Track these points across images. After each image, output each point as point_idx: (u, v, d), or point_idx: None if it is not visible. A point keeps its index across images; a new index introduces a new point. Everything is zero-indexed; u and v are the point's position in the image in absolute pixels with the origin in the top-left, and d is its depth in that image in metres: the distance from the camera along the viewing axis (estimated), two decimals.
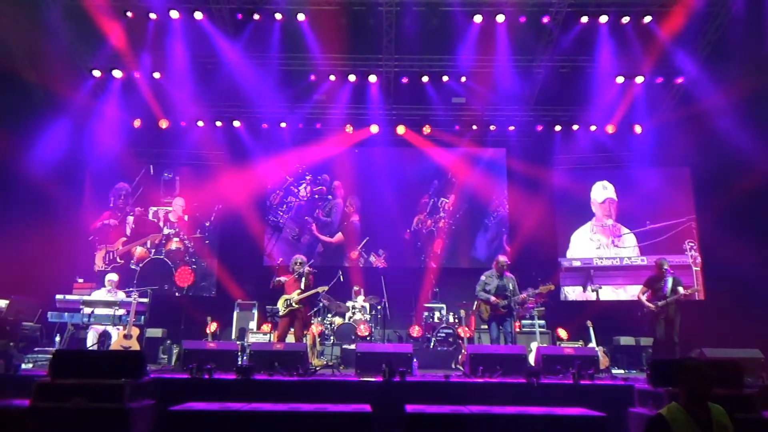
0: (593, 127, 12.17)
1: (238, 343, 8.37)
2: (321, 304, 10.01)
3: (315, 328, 9.30)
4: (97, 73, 11.10)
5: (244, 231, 12.39)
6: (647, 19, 10.45)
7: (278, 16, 10.50)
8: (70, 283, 11.67)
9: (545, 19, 10.66)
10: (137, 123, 11.96)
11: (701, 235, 11.76)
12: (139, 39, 10.79)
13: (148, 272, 12.16)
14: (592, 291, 11.77)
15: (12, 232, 9.52)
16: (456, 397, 5.56)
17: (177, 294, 12.02)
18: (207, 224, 12.61)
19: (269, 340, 9.34)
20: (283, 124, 12.32)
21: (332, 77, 11.59)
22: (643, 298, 8.44)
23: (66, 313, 8.18)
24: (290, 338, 8.48)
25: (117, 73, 11.16)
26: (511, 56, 11.17)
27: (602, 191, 12.55)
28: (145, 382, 5.10)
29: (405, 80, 11.66)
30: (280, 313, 8.41)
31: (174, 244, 12.49)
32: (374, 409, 4.71)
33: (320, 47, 10.98)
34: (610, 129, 12.06)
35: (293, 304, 8.29)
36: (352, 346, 8.60)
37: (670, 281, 8.31)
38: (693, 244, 11.82)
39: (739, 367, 5.04)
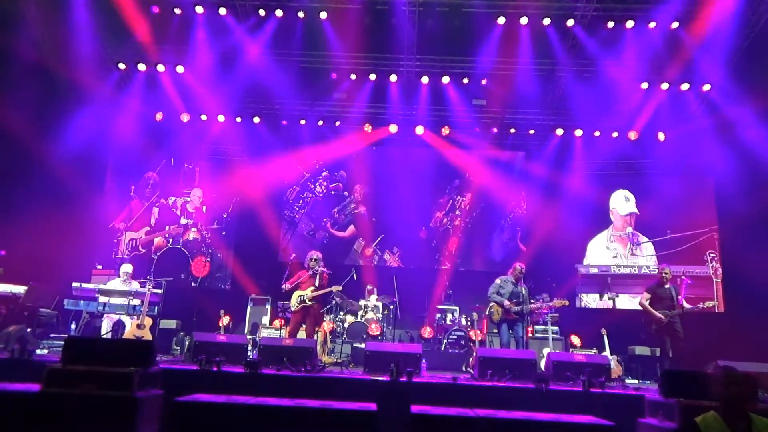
0: (615, 134, 11.98)
1: (248, 337, 8.41)
2: (333, 302, 10.03)
3: (326, 326, 9.33)
4: (122, 66, 11.28)
5: (260, 226, 12.47)
6: (675, 25, 10.27)
7: (301, 14, 10.54)
8: (89, 271, 11.87)
9: (570, 23, 10.54)
10: (159, 116, 12.12)
11: (723, 246, 11.52)
12: (163, 33, 10.93)
13: (165, 261, 12.34)
14: (609, 299, 11.63)
15: (33, 219, 9.69)
16: (463, 399, 5.51)
17: (192, 284, 12.15)
18: (224, 216, 12.75)
19: (281, 336, 9.38)
20: (302, 122, 12.37)
21: (353, 76, 11.61)
22: (647, 304, 8.28)
23: (82, 301, 8.31)
24: (301, 334, 8.52)
25: (141, 67, 11.32)
26: (533, 59, 11.08)
27: (624, 203, 12.32)
28: (154, 372, 5.13)
29: (425, 80, 11.62)
30: (293, 309, 8.45)
31: (191, 234, 12.64)
32: (380, 408, 4.68)
33: (342, 45, 11.00)
34: (632, 136, 11.84)
35: (306, 301, 8.33)
36: (363, 345, 8.60)
37: (673, 290, 8.19)
38: (714, 255, 11.59)
39: (755, 382, 4.90)
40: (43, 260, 9.12)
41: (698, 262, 11.59)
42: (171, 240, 12.58)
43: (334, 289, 8.65)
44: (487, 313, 8.69)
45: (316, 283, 8.42)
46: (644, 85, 11.19)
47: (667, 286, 8.23)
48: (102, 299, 8.34)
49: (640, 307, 8.46)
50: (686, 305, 8.11)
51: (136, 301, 8.36)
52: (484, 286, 8.81)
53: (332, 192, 13.01)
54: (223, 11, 10.52)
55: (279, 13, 10.58)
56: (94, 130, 11.17)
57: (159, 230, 12.60)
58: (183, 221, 12.70)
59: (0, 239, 8.27)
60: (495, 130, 12.35)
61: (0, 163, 9.65)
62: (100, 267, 12.11)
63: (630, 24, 10.35)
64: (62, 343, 5.65)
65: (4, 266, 7.78)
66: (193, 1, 10.41)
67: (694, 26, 10.25)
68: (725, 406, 3.12)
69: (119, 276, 9.31)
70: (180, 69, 11.38)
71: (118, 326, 8.55)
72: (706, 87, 11.02)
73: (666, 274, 8.31)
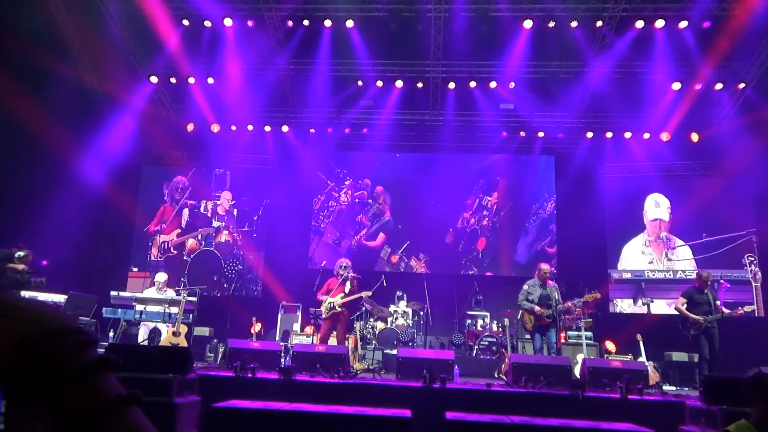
0: (647, 135, 11.78)
1: (281, 344, 8.49)
2: (363, 309, 10.05)
3: (357, 332, 9.35)
4: (154, 79, 11.57)
5: (289, 232, 12.59)
6: (707, 23, 10.08)
7: (327, 22, 10.66)
8: (126, 275, 12.17)
9: (598, 24, 10.43)
10: (190, 127, 12.37)
11: (762, 249, 11.18)
12: (194, 46, 11.17)
13: (199, 264, 12.58)
14: (643, 304, 11.40)
15: (72, 228, 9.98)
16: (497, 406, 5.47)
17: (225, 285, 12.32)
18: (255, 218, 12.91)
19: (312, 342, 9.44)
20: (329, 129, 12.48)
21: (380, 83, 11.67)
22: (683, 308, 8.10)
23: (119, 309, 8.50)
24: (332, 341, 8.56)
25: (173, 79, 11.59)
26: (561, 62, 10.99)
27: (654, 209, 12.01)
28: (192, 379, 5.23)
29: (452, 86, 11.61)
30: (323, 316, 8.50)
31: (223, 237, 12.84)
32: (414, 415, 4.68)
33: (368, 53, 11.08)
34: (664, 137, 11.63)
35: (336, 308, 8.36)
36: (394, 351, 8.59)
37: (711, 295, 8.01)
38: (753, 259, 11.25)
39: None
40: (82, 268, 9.37)
41: (736, 266, 11.27)
42: (203, 242, 12.81)
43: (364, 294, 8.67)
44: (519, 320, 8.60)
45: (346, 290, 8.46)
46: (676, 85, 10.99)
47: (705, 291, 8.04)
48: (139, 307, 8.52)
49: (676, 312, 8.29)
50: (725, 310, 7.93)
51: (173, 309, 8.51)
52: (513, 290, 8.72)
53: (356, 200, 13.07)
54: (251, 23, 10.71)
55: (306, 22, 10.72)
56: (129, 141, 11.47)
57: (189, 232, 12.84)
58: (215, 224, 12.92)
59: (41, 249, 8.52)
60: (523, 134, 12.26)
61: (39, 175, 9.96)
62: (135, 269, 12.44)
63: (660, 23, 10.19)
64: (101, 351, 5.80)
65: (46, 275, 8.00)
66: (222, 14, 10.62)
67: (727, 23, 10.03)
68: (765, 415, 3.01)
69: (154, 285, 9.50)
70: (210, 80, 11.62)
71: (155, 334, 8.73)
72: (741, 85, 10.77)
73: (705, 278, 8.12)
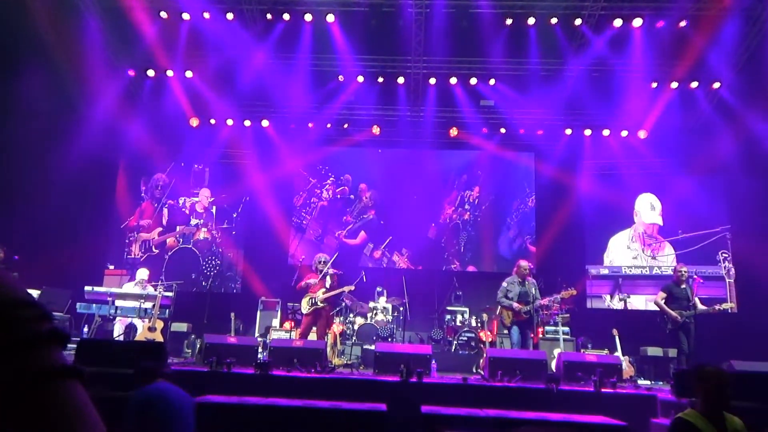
0: (624, 133, 11.92)
1: (259, 339, 8.44)
2: (343, 304, 10.03)
3: (336, 328, 9.34)
4: (131, 72, 11.39)
5: (269, 228, 12.51)
6: (683, 23, 10.22)
7: (308, 17, 10.59)
8: (101, 272, 11.99)
9: (577, 22, 10.52)
10: (168, 122, 12.21)
11: (735, 245, 11.40)
12: (172, 39, 11.02)
13: (176, 261, 12.44)
14: (620, 300, 11.55)
15: (46, 223, 9.79)
16: (473, 400, 5.50)
17: (204, 283, 12.20)
18: (234, 215, 12.79)
19: (290, 338, 9.40)
20: (310, 125, 12.41)
21: (360, 78, 11.63)
22: (662, 303, 8.25)
23: (94, 305, 8.36)
24: (312, 336, 8.53)
25: (150, 72, 11.43)
26: (541, 59, 11.06)
27: (650, 211, 12.08)
28: (166, 374, 5.16)
29: (433, 82, 11.62)
30: (304, 312, 8.47)
31: (202, 234, 12.70)
32: (390, 409, 4.69)
33: (349, 48, 11.03)
34: (642, 134, 11.79)
35: (318, 303, 8.34)
36: (373, 347, 8.60)
37: (689, 290, 8.18)
38: (727, 255, 11.46)
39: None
40: (56, 264, 9.21)
41: (710, 262, 11.47)
42: (182, 240, 12.67)
43: (346, 289, 8.67)
44: (497, 316, 8.67)
45: (327, 285, 8.43)
46: (653, 84, 11.13)
47: (683, 286, 8.22)
48: (117, 302, 8.40)
49: (652, 308, 8.43)
50: (701, 306, 8.08)
51: (148, 304, 8.40)
52: (493, 286, 8.79)
53: (338, 196, 13.02)
54: (230, 16, 10.59)
55: (286, 16, 10.65)
56: (106, 135, 11.28)
57: (171, 231, 12.69)
58: (193, 221, 12.77)
59: (14, 244, 8.35)
60: (503, 130, 12.32)
61: (11, 169, 9.75)
62: (111, 267, 12.25)
63: (638, 22, 10.31)
64: (75, 346, 5.70)
65: (17, 270, 7.84)
66: (201, 7, 10.49)
67: (703, 23, 10.18)
68: (710, 403, 3.10)
69: (133, 280, 9.38)
70: (189, 74, 11.47)
71: (130, 329, 8.62)
72: (716, 85, 10.94)
73: (682, 273, 8.29)
